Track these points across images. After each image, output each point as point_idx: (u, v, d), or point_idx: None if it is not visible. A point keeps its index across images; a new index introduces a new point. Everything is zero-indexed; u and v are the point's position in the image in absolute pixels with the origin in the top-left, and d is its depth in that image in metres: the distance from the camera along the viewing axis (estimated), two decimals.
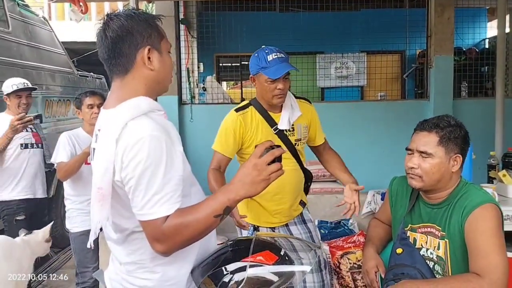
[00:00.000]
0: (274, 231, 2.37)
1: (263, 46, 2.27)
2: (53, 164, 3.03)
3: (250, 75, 2.30)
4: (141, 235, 1.27)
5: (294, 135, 2.33)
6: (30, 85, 3.50)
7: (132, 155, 1.18)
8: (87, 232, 3.11)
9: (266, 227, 2.37)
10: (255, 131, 2.28)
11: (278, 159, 1.20)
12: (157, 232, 1.19)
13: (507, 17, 6.43)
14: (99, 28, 1.30)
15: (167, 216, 1.19)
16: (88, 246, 1.35)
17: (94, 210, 1.26)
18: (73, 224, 3.04)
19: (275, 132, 2.29)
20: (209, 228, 1.22)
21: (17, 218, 3.33)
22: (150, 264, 1.32)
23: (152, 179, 1.18)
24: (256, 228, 2.37)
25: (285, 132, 2.30)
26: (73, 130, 3.10)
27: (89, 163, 2.93)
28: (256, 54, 2.25)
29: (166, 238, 1.19)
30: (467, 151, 1.76)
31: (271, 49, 2.23)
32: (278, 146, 1.22)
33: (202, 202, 1.24)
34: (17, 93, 3.37)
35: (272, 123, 2.29)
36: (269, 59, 2.18)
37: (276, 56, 2.19)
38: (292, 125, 2.32)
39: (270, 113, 2.31)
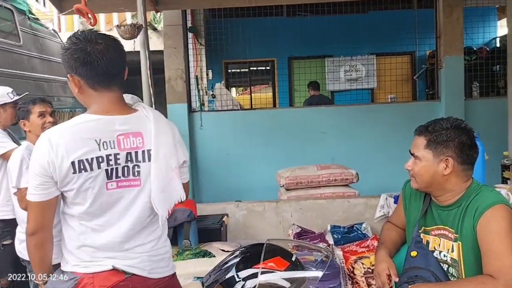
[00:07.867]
0: None
1: None
2: None
3: None
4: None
5: None
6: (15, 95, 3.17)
7: (182, 141, 1.61)
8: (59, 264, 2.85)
9: None
10: None
11: None
12: None
13: None
14: (115, 43, 1.47)
15: None
16: (160, 224, 1.49)
17: (174, 186, 1.47)
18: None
19: None
20: None
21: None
22: None
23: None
24: None
25: None
26: (25, 148, 2.55)
27: None
28: None
29: None
30: (468, 155, 1.70)
31: None
32: None
33: None
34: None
35: None
36: None
37: None
38: None
39: None
